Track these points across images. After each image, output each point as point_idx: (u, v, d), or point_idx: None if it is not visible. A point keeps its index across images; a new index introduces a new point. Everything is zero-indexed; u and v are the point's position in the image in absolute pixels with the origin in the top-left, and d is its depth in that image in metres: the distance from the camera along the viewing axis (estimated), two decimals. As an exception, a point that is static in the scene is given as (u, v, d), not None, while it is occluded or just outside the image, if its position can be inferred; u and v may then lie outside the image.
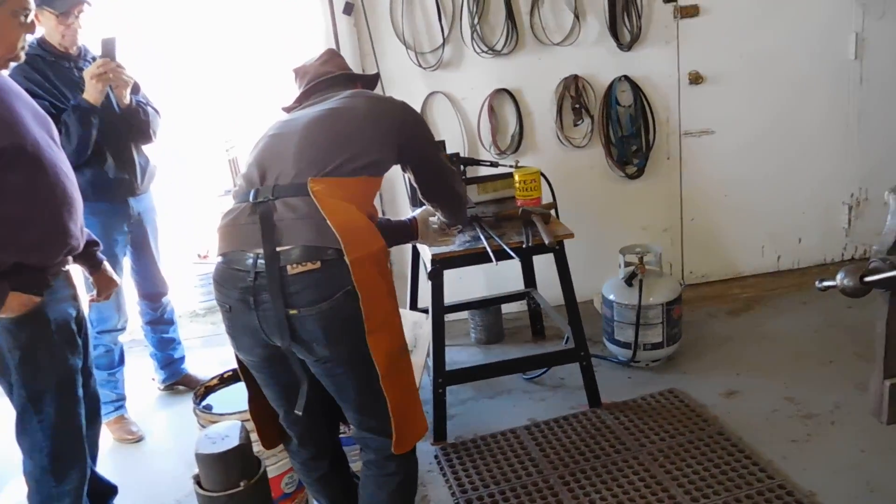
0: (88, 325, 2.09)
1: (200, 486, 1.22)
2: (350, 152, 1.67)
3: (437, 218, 2.19)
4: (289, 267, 1.54)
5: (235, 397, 2.18)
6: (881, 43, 3.51)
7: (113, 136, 2.64)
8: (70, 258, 1.91)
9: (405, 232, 2.13)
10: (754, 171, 3.61)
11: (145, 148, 2.84)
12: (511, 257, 2.44)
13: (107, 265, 2.15)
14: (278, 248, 1.56)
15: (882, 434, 2.35)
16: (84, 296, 2.07)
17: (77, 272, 2.06)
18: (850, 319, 3.19)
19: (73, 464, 1.89)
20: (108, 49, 2.48)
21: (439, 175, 2.00)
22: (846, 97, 3.57)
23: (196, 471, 1.98)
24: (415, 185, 2.00)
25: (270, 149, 1.72)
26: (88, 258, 2.08)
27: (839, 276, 1.40)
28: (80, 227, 1.90)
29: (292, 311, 1.55)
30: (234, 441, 1.21)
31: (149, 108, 2.74)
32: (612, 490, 2.24)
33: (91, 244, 2.08)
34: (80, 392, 1.92)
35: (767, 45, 3.44)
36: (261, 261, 1.56)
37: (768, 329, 3.23)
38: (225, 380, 2.29)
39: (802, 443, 2.38)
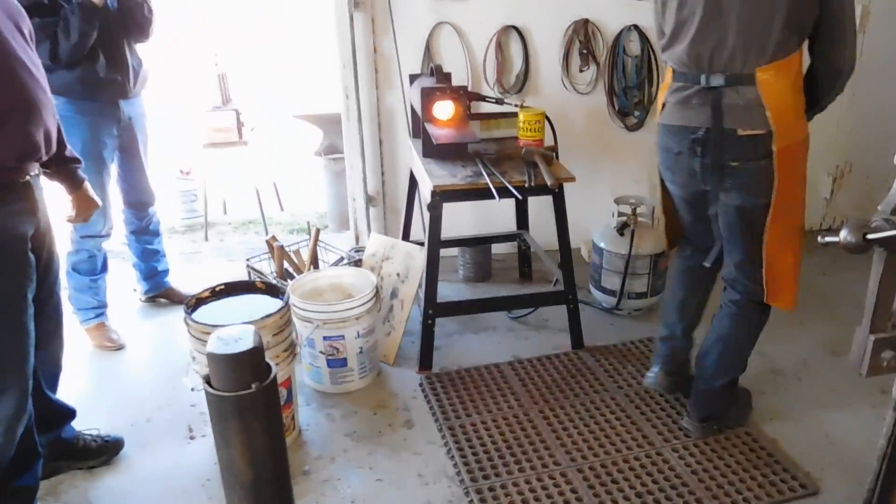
0: (55, 246, 1.92)
1: (211, 386, 1.23)
2: (788, 26, 1.78)
3: None
4: (738, 130, 1.87)
5: (226, 311, 2.20)
6: (886, 17, 3.51)
7: (106, 35, 2.55)
8: (30, 169, 1.73)
9: None
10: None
11: (139, 51, 2.75)
12: (513, 195, 2.44)
13: (87, 186, 2.04)
14: (725, 126, 1.89)
15: (843, 392, 2.50)
16: (47, 212, 1.86)
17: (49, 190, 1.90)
18: (823, 286, 3.31)
19: (7, 392, 1.72)
20: None
21: (843, 22, 1.84)
22: (847, 68, 3.59)
23: (192, 372, 1.99)
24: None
25: (713, 25, 1.85)
26: (68, 175, 1.97)
27: (843, 233, 1.45)
28: (46, 135, 1.73)
29: (734, 163, 1.90)
30: (248, 343, 1.21)
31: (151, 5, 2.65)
32: (590, 426, 2.34)
33: (72, 161, 1.96)
34: (27, 319, 1.74)
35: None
36: (709, 128, 1.91)
37: (745, 289, 3.34)
38: (216, 293, 2.28)
39: (770, 395, 2.50)
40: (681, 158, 2.03)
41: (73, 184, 2.00)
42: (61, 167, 1.95)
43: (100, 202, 2.13)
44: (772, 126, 1.84)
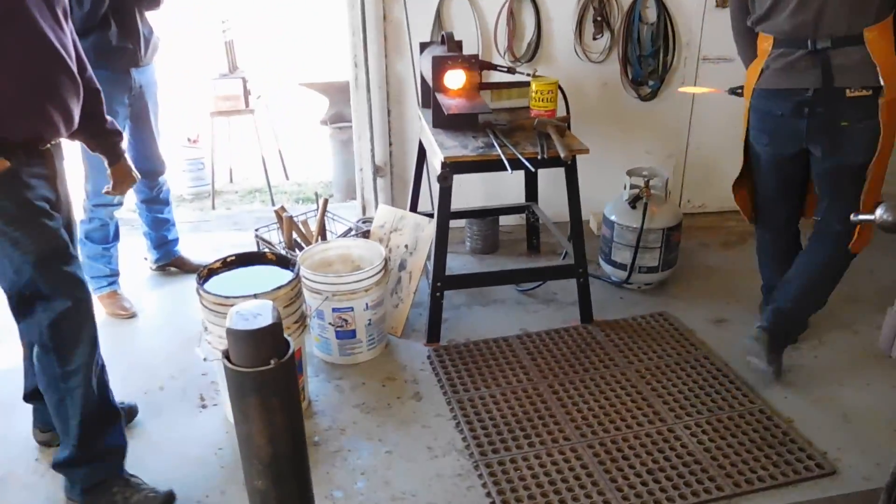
0: (72, 215, 1.94)
1: (230, 361, 1.21)
2: None
3: None
4: (847, 91, 2.00)
5: (238, 282, 2.18)
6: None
7: (118, 3, 2.52)
8: (51, 140, 1.74)
9: None
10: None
11: (150, 19, 2.70)
12: (526, 167, 2.40)
13: (128, 159, 2.06)
14: (836, 86, 2.02)
15: (860, 371, 2.47)
16: (66, 180, 1.89)
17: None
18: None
19: (78, 341, 1.76)
20: None
21: None
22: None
23: (210, 346, 1.98)
24: None
25: None
26: (109, 148, 1.99)
27: (879, 211, 1.41)
28: (65, 114, 1.72)
29: (843, 123, 2.03)
30: (267, 319, 1.19)
31: None
32: (600, 402, 2.32)
33: (113, 133, 1.99)
34: (76, 269, 1.76)
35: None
36: (817, 89, 2.04)
37: (757, 264, 3.30)
38: (228, 264, 2.26)
39: (785, 373, 2.46)
40: (784, 120, 2.14)
41: (114, 156, 2.01)
42: (102, 140, 1.96)
43: (139, 176, 2.12)
44: (882, 81, 1.96)
